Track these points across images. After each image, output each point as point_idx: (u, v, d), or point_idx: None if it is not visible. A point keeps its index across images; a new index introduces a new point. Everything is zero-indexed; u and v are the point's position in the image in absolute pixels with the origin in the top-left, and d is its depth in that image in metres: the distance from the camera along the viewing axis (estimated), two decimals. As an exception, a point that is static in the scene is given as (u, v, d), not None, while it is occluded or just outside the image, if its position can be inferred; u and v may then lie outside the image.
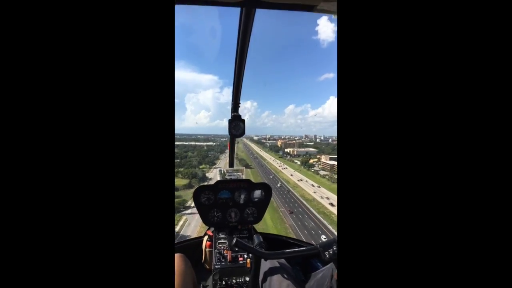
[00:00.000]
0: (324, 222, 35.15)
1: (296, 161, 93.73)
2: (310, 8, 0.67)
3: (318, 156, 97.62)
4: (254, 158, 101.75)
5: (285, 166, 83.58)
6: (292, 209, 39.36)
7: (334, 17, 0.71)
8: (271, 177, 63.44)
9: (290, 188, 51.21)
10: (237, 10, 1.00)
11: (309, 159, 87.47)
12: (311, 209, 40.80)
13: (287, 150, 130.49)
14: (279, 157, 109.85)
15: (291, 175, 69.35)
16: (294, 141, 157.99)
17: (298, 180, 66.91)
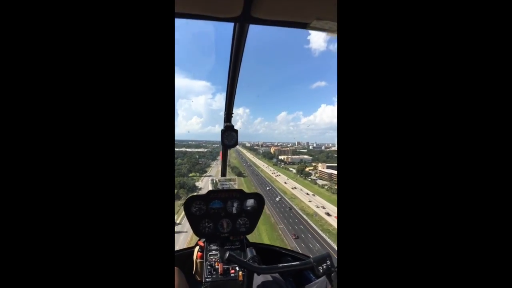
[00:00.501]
0: (331, 242, 30.72)
1: (291, 169, 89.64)
2: (303, 25, 0.71)
3: (313, 164, 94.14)
4: (247, 166, 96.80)
5: (279, 173, 79.15)
6: (298, 232, 34.24)
7: (328, 35, 0.75)
8: (268, 189, 58.39)
9: (291, 203, 46.33)
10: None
11: (305, 167, 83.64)
12: (314, 226, 36.35)
13: (281, 157, 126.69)
14: (273, 165, 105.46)
15: (285, 182, 65.17)
16: (288, 148, 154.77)
17: (292, 188, 63.57)
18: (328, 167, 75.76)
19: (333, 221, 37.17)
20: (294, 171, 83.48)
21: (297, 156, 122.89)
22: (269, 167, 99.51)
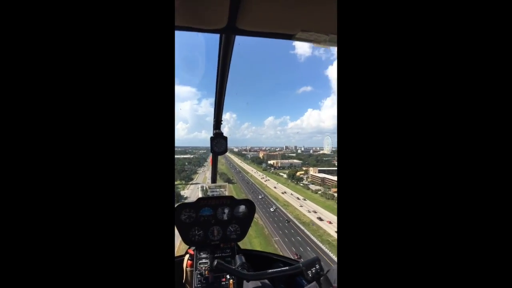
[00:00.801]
0: (331, 255, 27.64)
1: (281, 174, 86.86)
2: (288, 36, 0.71)
3: (304, 168, 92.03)
4: (236, 172, 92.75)
5: (268, 178, 75.90)
6: (295, 246, 30.81)
7: (315, 45, 0.75)
8: (260, 197, 54.31)
9: (288, 214, 42.84)
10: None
11: (296, 172, 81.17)
12: (312, 236, 33.18)
13: (270, 162, 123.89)
14: (263, 170, 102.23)
15: (274, 187, 61.99)
16: (277, 153, 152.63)
17: (283, 193, 61.42)
18: (320, 171, 73.69)
19: (329, 229, 34.32)
20: (285, 176, 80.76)
21: (287, 161, 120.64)
22: (258, 172, 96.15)
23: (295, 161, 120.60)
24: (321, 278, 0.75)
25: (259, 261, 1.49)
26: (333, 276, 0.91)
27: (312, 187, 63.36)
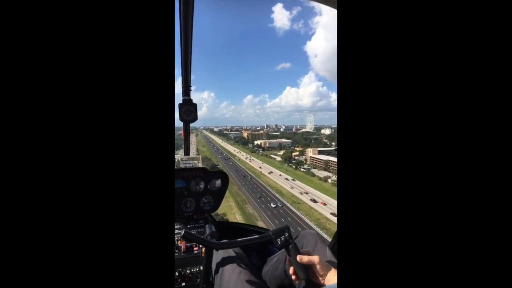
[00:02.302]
0: None
1: (273, 156, 76.28)
2: None
3: (297, 149, 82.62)
4: (223, 158, 79.79)
5: (267, 167, 64.50)
6: None
7: None
8: (259, 197, 41.65)
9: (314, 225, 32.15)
10: None
11: (291, 154, 71.10)
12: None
13: (257, 142, 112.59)
14: (251, 152, 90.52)
15: (270, 172, 51.40)
16: (262, 132, 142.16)
17: (269, 173, 53.59)
18: (320, 152, 64.07)
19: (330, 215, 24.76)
20: (278, 158, 70.54)
21: (275, 140, 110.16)
22: (246, 154, 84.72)
23: (284, 140, 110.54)
24: (290, 246, 0.78)
25: (234, 231, 1.50)
26: (301, 241, 0.95)
27: (316, 172, 53.47)
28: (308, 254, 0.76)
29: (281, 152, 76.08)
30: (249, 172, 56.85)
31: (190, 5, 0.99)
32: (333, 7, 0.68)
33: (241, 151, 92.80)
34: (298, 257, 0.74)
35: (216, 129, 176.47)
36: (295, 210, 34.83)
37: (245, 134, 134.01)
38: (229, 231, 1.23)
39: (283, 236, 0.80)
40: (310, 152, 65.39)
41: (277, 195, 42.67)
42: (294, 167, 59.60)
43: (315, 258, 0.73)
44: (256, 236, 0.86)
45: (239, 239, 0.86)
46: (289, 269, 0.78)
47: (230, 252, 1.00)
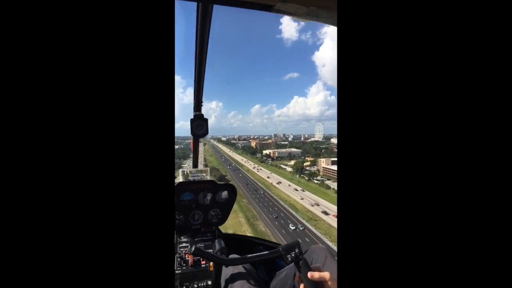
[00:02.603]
0: None
1: (283, 166, 72.92)
2: (268, 7, 0.69)
3: (308, 159, 79.10)
4: (232, 169, 77.04)
5: (276, 176, 61.47)
6: None
7: (295, 18, 0.74)
8: (275, 217, 36.35)
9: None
10: (194, 5, 0.98)
11: (302, 164, 67.63)
12: None
13: (266, 151, 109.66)
14: (260, 162, 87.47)
15: (288, 185, 48.03)
16: (270, 141, 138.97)
17: (278, 183, 51.47)
18: (333, 163, 60.41)
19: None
20: (289, 169, 67.16)
21: (284, 150, 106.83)
22: (254, 164, 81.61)
23: (294, 149, 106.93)
24: (300, 262, 0.77)
25: (240, 245, 1.47)
26: (310, 256, 0.95)
27: (331, 184, 49.77)
28: (318, 269, 0.74)
29: (292, 162, 72.74)
30: (259, 184, 53.65)
31: (208, 16, 0.99)
32: (333, 24, 0.72)
33: (249, 161, 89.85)
34: (309, 274, 0.72)
35: (224, 139, 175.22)
36: (313, 229, 31.28)
37: (253, 144, 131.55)
38: (236, 245, 1.17)
39: (293, 252, 0.79)
40: (323, 163, 61.87)
41: (291, 210, 39.19)
42: (306, 178, 56.11)
43: (326, 275, 0.71)
44: (266, 252, 0.85)
45: (249, 255, 0.85)
46: (299, 286, 0.76)
47: (239, 268, 0.99)
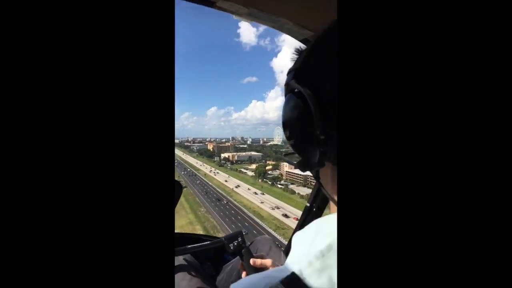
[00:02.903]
0: None
1: (244, 170, 68.62)
2: (210, 3, 0.69)
3: (270, 163, 76.91)
4: (188, 174, 68.59)
5: (234, 180, 56.57)
6: None
7: (235, 17, 0.75)
8: (245, 233, 34.23)
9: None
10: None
11: (265, 168, 64.64)
12: None
13: (224, 155, 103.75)
14: (219, 166, 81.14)
15: (255, 192, 43.75)
16: (229, 144, 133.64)
17: (236, 187, 48.12)
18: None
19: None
20: (250, 173, 63.23)
21: (244, 153, 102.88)
22: (208, 166, 74.90)
23: (254, 153, 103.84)
24: (243, 250, 0.78)
25: (187, 242, 1.32)
26: (255, 247, 0.96)
27: (295, 188, 47.57)
28: (262, 258, 0.75)
29: (253, 166, 69.12)
30: (221, 192, 47.88)
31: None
32: (297, 38, 0.75)
33: (204, 164, 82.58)
34: (251, 261, 0.74)
35: (176, 141, 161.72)
36: (281, 239, 27.65)
37: (210, 147, 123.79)
38: (182, 242, 1.11)
39: (236, 241, 0.79)
40: (286, 167, 59.81)
41: (256, 218, 34.93)
42: (270, 183, 52.89)
43: (267, 261, 0.73)
44: (207, 242, 0.84)
45: (189, 246, 0.83)
46: (242, 274, 0.77)
47: (180, 260, 0.99)
